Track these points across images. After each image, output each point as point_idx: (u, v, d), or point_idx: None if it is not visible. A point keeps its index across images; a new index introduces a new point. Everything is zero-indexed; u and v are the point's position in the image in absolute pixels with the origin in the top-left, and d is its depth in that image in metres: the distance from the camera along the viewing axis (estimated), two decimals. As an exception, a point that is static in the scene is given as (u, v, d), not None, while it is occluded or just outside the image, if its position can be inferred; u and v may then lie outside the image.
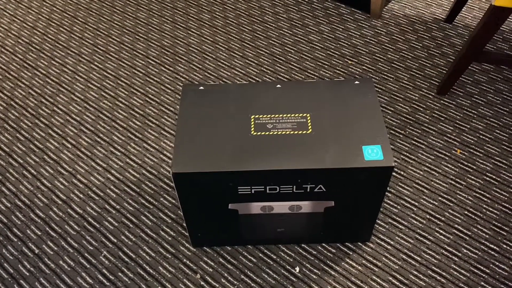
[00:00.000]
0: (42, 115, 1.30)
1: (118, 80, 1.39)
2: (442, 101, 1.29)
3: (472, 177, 1.12)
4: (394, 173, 1.14)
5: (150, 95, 1.35)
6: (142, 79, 1.39)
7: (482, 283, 0.95)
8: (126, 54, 1.47)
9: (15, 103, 1.34)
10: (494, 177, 1.12)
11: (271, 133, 0.85)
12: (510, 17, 1.53)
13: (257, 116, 0.88)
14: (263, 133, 0.85)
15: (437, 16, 1.54)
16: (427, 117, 1.25)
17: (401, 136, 1.21)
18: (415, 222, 1.05)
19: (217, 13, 1.60)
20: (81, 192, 1.13)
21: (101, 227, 1.06)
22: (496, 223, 1.04)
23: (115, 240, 1.04)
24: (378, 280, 0.96)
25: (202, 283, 0.97)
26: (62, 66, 1.44)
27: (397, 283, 0.96)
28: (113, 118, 1.29)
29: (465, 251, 1.00)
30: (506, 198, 1.08)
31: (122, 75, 1.41)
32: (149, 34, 1.54)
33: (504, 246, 1.00)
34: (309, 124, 0.86)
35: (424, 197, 1.09)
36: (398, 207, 1.07)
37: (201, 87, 0.93)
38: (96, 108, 1.32)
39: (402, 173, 1.14)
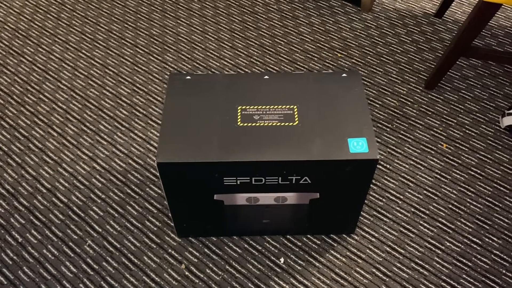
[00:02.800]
0: (27, 103, 1.29)
1: (106, 68, 1.38)
2: (429, 96, 1.29)
3: (457, 171, 1.13)
4: (380, 166, 1.14)
5: (137, 85, 1.33)
6: (130, 68, 1.38)
7: (464, 275, 0.96)
8: (114, 43, 1.45)
9: (0, 90, 1.32)
10: (478, 171, 1.13)
11: (257, 124, 0.85)
12: (498, 12, 1.53)
13: (244, 107, 0.88)
14: (249, 124, 0.85)
15: (427, 10, 1.55)
16: (415, 111, 1.26)
17: (388, 129, 1.22)
18: (400, 215, 1.06)
19: (207, 2, 1.59)
20: (66, 181, 1.12)
21: (86, 216, 1.06)
22: (480, 217, 1.05)
23: (100, 230, 1.04)
24: (362, 272, 0.97)
25: (187, 273, 0.97)
26: (49, 54, 1.42)
27: (381, 275, 0.97)
28: (100, 107, 1.28)
29: (448, 244, 1.01)
30: (489, 193, 1.09)
31: (110, 64, 1.39)
32: (138, 23, 1.52)
33: (487, 239, 1.01)
34: (296, 116, 0.86)
35: (409, 190, 1.10)
36: (383, 200, 1.08)
37: (188, 77, 0.93)
38: (83, 96, 1.30)
39: (388, 166, 1.14)
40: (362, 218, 1.05)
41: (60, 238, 1.02)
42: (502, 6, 1.55)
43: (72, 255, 1.00)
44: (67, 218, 1.06)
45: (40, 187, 1.11)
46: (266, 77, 0.93)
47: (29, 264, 0.99)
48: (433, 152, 1.17)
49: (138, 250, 1.00)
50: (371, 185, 1.11)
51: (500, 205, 1.07)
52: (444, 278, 0.96)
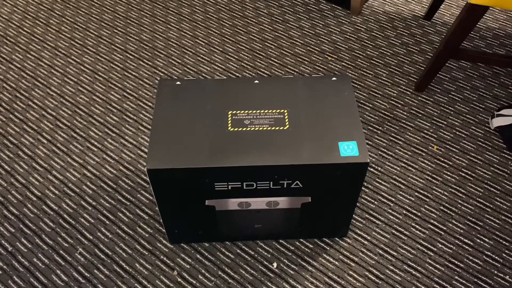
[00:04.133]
0: (16, 110, 1.28)
1: (96, 74, 1.37)
2: (419, 98, 1.30)
3: (448, 173, 1.13)
4: (371, 169, 1.14)
5: (128, 90, 1.33)
6: (120, 74, 1.37)
7: (456, 277, 0.97)
8: (104, 48, 1.45)
9: (-11, 97, 1.31)
10: (469, 173, 1.13)
11: (248, 129, 0.85)
12: (486, 14, 1.55)
13: (234, 112, 0.88)
14: (240, 129, 0.85)
15: (416, 13, 1.56)
16: (405, 113, 1.26)
17: (379, 132, 1.22)
18: (392, 217, 1.06)
19: (197, 7, 1.59)
20: (56, 188, 1.11)
21: (77, 224, 1.05)
22: (471, 218, 1.05)
23: (91, 237, 1.03)
24: (355, 275, 0.97)
25: (179, 279, 0.97)
26: (38, 60, 1.41)
27: (374, 278, 0.97)
28: (89, 113, 1.27)
29: (440, 246, 1.01)
30: (480, 194, 1.09)
31: (100, 70, 1.38)
32: (128, 28, 1.51)
33: (478, 241, 1.02)
34: (286, 120, 0.86)
35: (400, 192, 1.10)
36: (375, 202, 1.08)
37: (178, 82, 0.93)
38: (73, 103, 1.30)
39: (379, 169, 1.14)
40: (354, 221, 1.05)
41: (51, 246, 1.01)
42: (490, 8, 1.56)
43: (63, 263, 0.99)
44: (58, 226, 1.05)
45: (30, 195, 1.10)
46: (256, 81, 0.93)
47: (19, 273, 0.97)
48: (424, 154, 1.17)
49: (129, 257, 1.00)
50: (362, 188, 1.11)
51: (491, 206, 1.07)
52: (437, 280, 0.96)
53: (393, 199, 1.09)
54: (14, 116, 1.26)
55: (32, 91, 1.33)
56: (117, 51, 1.44)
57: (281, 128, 0.85)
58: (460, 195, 1.09)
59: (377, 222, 1.05)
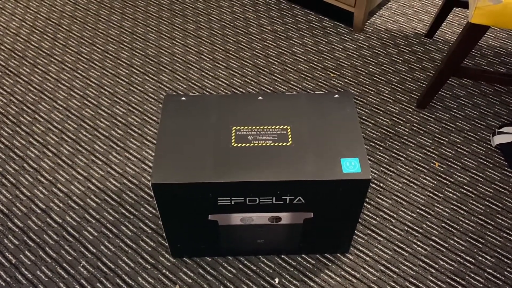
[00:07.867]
0: (23, 123, 1.29)
1: (101, 88, 1.39)
2: (421, 115, 1.31)
3: (450, 190, 1.14)
4: (373, 185, 1.15)
5: (133, 104, 1.35)
6: (126, 88, 1.39)
7: (458, 294, 0.97)
8: (110, 63, 1.47)
9: (-4, 110, 1.33)
10: (471, 190, 1.14)
11: (251, 144, 0.86)
12: (487, 33, 1.57)
13: (238, 127, 0.89)
14: (243, 144, 0.86)
15: (418, 31, 1.58)
16: (407, 130, 1.27)
17: (381, 148, 1.23)
18: (394, 233, 1.06)
19: (202, 23, 1.62)
20: (60, 201, 1.12)
21: (81, 236, 1.06)
22: (472, 235, 1.06)
23: (94, 250, 1.03)
24: (356, 292, 0.97)
25: (181, 294, 0.97)
26: (45, 74, 1.44)
27: (375, 295, 0.97)
28: (95, 127, 1.28)
29: (441, 262, 1.01)
30: (482, 211, 1.10)
31: (106, 84, 1.40)
32: (134, 43, 1.54)
33: (480, 258, 1.02)
34: (289, 136, 0.88)
35: (402, 209, 1.11)
36: (377, 218, 1.09)
37: (183, 98, 0.94)
38: (78, 116, 1.31)
39: (381, 185, 1.15)
40: (356, 237, 1.05)
41: (54, 259, 1.02)
42: (491, 27, 1.58)
43: (66, 276, 0.99)
44: (62, 238, 1.05)
45: (34, 207, 1.11)
46: (260, 98, 0.95)
47: (22, 286, 0.98)
48: (425, 171, 1.18)
49: (132, 271, 1.00)
50: (364, 204, 1.11)
51: (493, 223, 1.08)
52: (438, 297, 0.96)
53: (395, 216, 1.09)
54: (21, 129, 1.28)
55: (39, 105, 1.34)
56: (123, 66, 1.46)
57: (284, 144, 0.86)
58: (462, 212, 1.10)
59: (379, 238, 1.05)
